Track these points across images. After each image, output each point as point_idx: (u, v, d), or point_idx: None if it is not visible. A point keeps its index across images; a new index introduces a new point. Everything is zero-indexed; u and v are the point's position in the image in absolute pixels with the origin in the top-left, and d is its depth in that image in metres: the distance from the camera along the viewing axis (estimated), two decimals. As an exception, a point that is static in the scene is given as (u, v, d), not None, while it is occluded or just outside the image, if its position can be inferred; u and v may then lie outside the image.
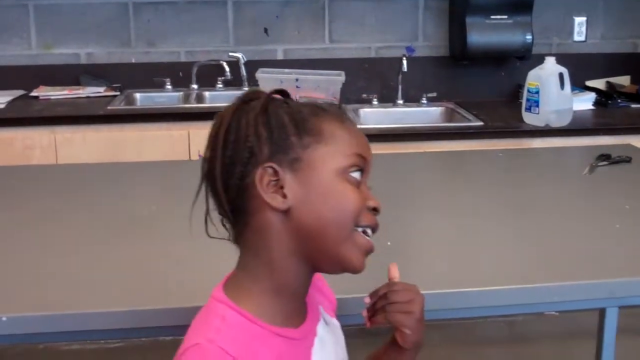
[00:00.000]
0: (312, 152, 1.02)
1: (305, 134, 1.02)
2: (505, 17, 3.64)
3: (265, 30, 3.77)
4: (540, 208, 1.95)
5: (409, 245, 1.76)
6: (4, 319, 1.33)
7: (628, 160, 2.36)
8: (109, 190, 2.17)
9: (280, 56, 3.80)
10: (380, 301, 1.17)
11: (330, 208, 1.02)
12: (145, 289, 1.45)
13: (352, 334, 1.31)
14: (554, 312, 3.47)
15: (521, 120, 3.38)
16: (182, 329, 1.05)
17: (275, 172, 1.01)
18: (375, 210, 1.06)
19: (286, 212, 1.01)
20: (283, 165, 1.01)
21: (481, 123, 3.40)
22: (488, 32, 3.64)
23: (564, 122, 3.31)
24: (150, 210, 1.91)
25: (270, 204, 1.01)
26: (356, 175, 1.04)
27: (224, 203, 1.02)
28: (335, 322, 1.18)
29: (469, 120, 3.47)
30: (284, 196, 1.01)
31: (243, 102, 1.04)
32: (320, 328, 1.11)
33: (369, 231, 1.06)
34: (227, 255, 1.08)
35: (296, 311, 1.08)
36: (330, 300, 1.21)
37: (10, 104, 3.43)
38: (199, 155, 3.15)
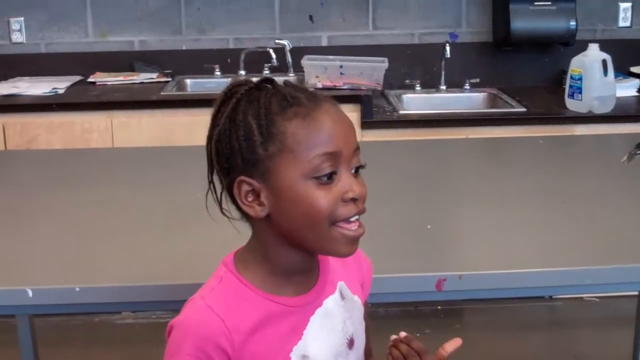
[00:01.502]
0: (277, 162, 1.06)
1: (270, 141, 1.06)
2: (549, 3, 3.66)
3: (311, 17, 3.86)
4: (577, 194, 2.00)
5: (449, 228, 1.83)
6: (77, 289, 1.46)
7: (668, 148, 2.38)
8: (163, 172, 2.28)
9: (324, 43, 3.88)
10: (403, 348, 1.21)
11: (300, 214, 1.07)
12: (198, 265, 1.56)
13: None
14: (594, 298, 3.53)
15: (564, 106, 3.42)
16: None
17: (250, 183, 1.08)
18: (354, 200, 1.08)
19: (268, 216, 1.09)
20: (255, 176, 1.07)
21: (524, 109, 3.44)
22: (532, 18, 3.67)
23: (607, 108, 3.34)
24: (203, 191, 2.02)
25: (249, 213, 1.10)
26: (324, 177, 1.06)
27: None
28: (356, 299, 1.23)
29: (512, 107, 3.52)
30: (262, 204, 1.08)
31: (223, 101, 1.11)
32: (330, 301, 1.18)
33: (352, 220, 1.09)
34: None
35: (297, 285, 1.15)
36: (359, 278, 1.26)
37: (68, 89, 3.57)
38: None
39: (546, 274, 1.54)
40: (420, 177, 2.21)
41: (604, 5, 3.90)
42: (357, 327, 1.22)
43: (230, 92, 1.11)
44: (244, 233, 1.17)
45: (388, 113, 3.42)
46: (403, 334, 1.17)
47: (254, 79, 1.13)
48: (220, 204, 1.15)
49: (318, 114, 1.07)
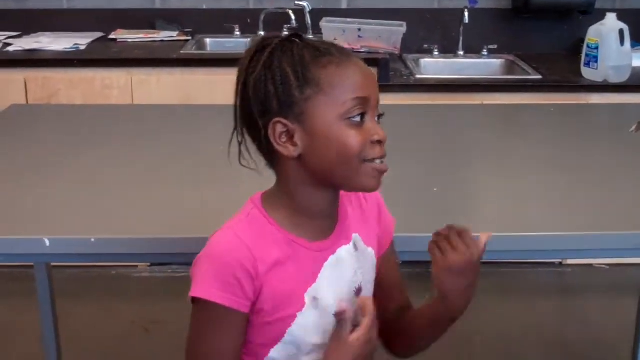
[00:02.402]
0: (313, 104, 1.15)
1: (306, 85, 1.14)
2: (570, -29, 3.66)
3: (331, -21, 3.87)
4: (584, 162, 2.03)
5: (456, 191, 1.86)
6: (92, 240, 1.53)
7: (678, 118, 2.39)
8: (180, 129, 2.33)
9: (344, 5, 3.89)
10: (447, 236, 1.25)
11: (334, 152, 1.15)
12: (214, 219, 1.61)
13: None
14: (603, 265, 3.57)
15: (580, 75, 3.43)
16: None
17: (285, 124, 1.15)
18: (379, 142, 1.17)
19: (300, 157, 1.17)
20: (290, 117, 1.15)
21: (539, 76, 3.45)
22: (551, -14, 3.67)
23: (622, 78, 3.35)
24: (218, 150, 2.07)
25: (283, 153, 1.17)
26: (357, 118, 1.15)
27: (256, 143, 1.20)
28: (369, 251, 1.31)
29: (528, 74, 3.53)
30: (295, 145, 1.16)
31: (256, 51, 1.17)
32: (344, 250, 1.26)
33: (377, 160, 1.18)
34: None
35: (316, 229, 1.23)
36: (378, 231, 1.34)
37: (90, 45, 3.62)
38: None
39: (548, 238, 1.58)
40: (432, 141, 2.25)
41: (625, -26, 3.88)
42: (367, 278, 1.30)
43: (263, 44, 1.18)
44: (262, 183, 1.23)
45: (405, 77, 3.45)
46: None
47: (278, 33, 1.22)
48: (240, 154, 1.22)
49: (349, 64, 1.17)
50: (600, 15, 3.43)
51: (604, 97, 3.31)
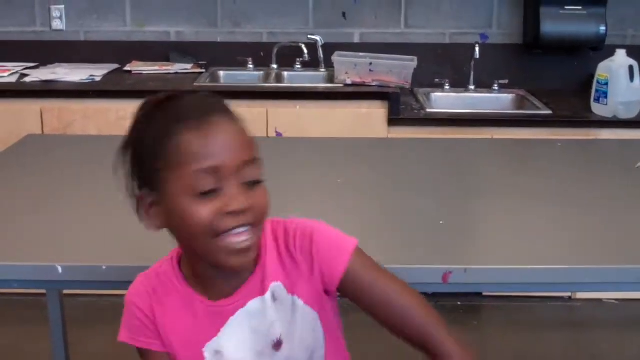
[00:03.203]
0: (164, 182, 1.12)
1: (160, 161, 1.11)
2: (580, 8, 3.69)
3: (344, 14, 3.92)
4: (590, 196, 2.04)
5: (461, 224, 1.87)
6: (103, 267, 1.56)
7: (686, 154, 2.40)
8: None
9: (356, 40, 3.94)
10: None
11: (185, 228, 1.12)
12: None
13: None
14: (613, 300, 3.56)
15: (590, 110, 3.46)
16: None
17: (148, 197, 1.16)
18: (234, 213, 1.10)
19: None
20: (152, 192, 1.15)
21: (550, 112, 3.48)
22: (562, 22, 3.70)
23: (632, 114, 3.38)
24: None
25: (147, 227, 1.19)
26: (206, 189, 1.09)
27: None
28: (294, 300, 1.21)
29: (538, 109, 3.56)
30: (154, 218, 1.17)
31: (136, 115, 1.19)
32: (257, 303, 1.21)
33: (238, 230, 1.11)
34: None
35: (223, 285, 1.21)
36: (313, 272, 1.21)
37: (105, 77, 3.67)
38: (276, 133, 3.33)
39: (556, 270, 1.59)
40: (441, 175, 2.26)
41: (636, 12, 3.91)
42: (292, 329, 1.23)
43: (138, 110, 1.20)
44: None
45: (416, 111, 3.48)
46: None
47: (160, 95, 1.20)
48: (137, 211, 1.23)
49: (203, 128, 1.11)
50: (610, 52, 3.46)
51: (614, 133, 3.33)
